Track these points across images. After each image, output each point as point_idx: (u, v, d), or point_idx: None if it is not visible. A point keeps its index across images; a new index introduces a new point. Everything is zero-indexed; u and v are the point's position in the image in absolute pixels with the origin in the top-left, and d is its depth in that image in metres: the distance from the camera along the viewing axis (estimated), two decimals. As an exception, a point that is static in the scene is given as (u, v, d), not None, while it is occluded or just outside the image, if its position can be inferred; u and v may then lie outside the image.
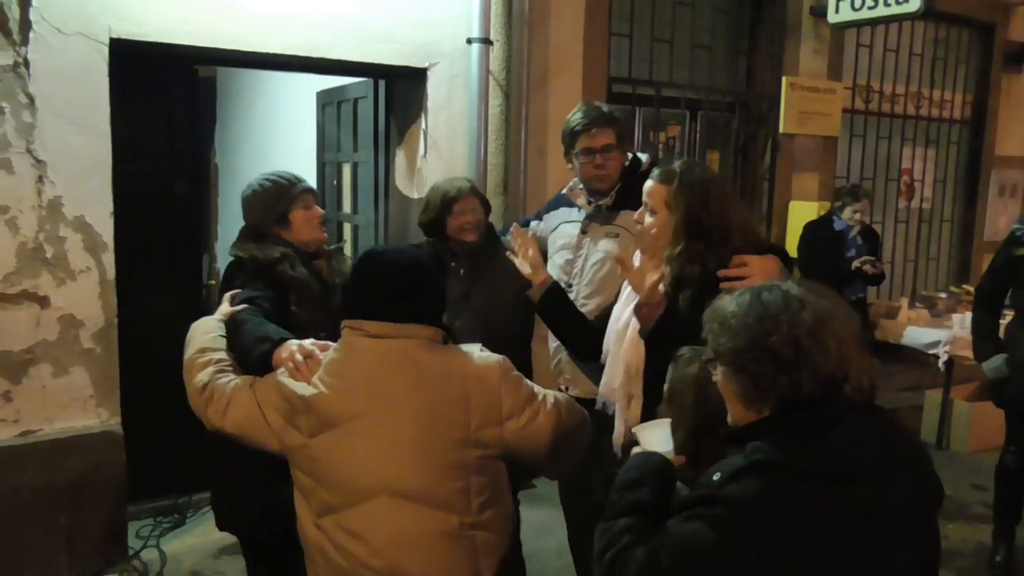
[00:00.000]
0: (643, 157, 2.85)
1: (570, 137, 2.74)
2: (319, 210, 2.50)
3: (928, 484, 1.26)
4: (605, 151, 2.67)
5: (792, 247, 4.92)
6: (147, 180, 3.46)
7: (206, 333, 1.97)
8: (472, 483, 1.64)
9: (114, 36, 3.04)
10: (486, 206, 2.96)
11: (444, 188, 2.90)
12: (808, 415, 1.20)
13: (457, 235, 2.86)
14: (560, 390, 2.96)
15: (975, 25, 6.29)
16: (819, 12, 5.14)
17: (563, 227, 2.88)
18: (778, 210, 5.32)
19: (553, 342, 2.90)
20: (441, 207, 2.85)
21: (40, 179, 2.98)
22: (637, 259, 2.23)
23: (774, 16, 5.20)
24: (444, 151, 3.93)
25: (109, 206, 3.13)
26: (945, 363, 4.88)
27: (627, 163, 2.77)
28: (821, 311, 1.24)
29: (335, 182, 4.78)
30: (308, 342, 1.83)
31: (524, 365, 3.03)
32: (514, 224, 2.57)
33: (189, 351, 1.92)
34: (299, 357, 1.77)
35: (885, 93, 5.89)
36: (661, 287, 2.10)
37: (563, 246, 2.82)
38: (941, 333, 4.91)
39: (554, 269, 2.83)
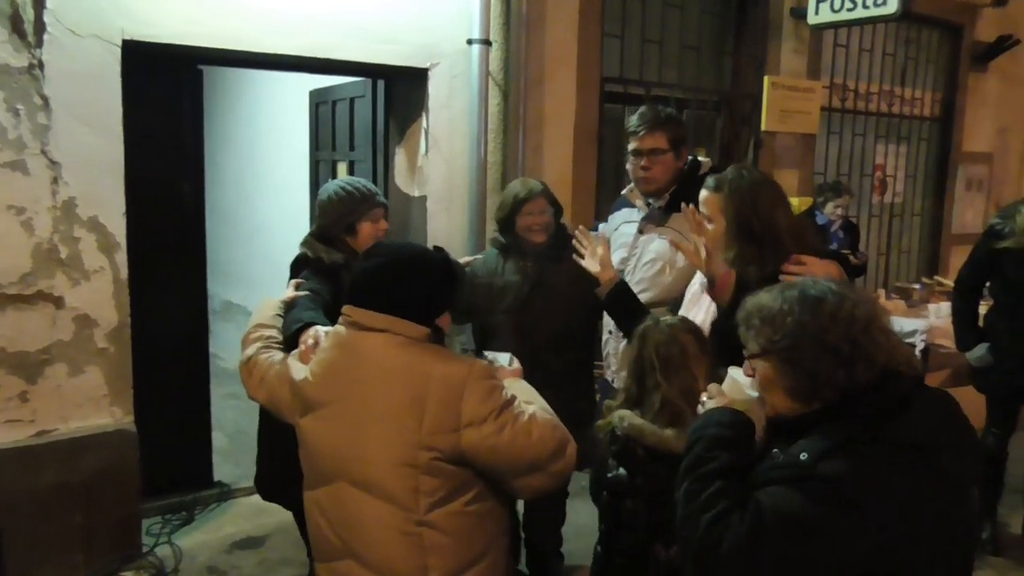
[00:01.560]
0: (703, 160, 2.94)
1: (628, 138, 2.87)
2: (385, 223, 2.66)
3: (978, 454, 1.40)
4: (652, 154, 2.78)
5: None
6: (156, 180, 3.49)
7: (267, 311, 2.13)
8: (421, 483, 1.64)
9: (127, 38, 3.06)
10: (557, 208, 3.02)
11: (516, 189, 3.01)
12: (880, 396, 1.30)
13: (525, 235, 2.94)
14: (608, 382, 3.08)
15: (944, 26, 6.52)
16: (799, 14, 5.30)
17: (623, 227, 3.01)
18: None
19: (603, 336, 2.99)
20: (512, 207, 2.95)
21: (55, 180, 3.00)
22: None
23: (757, 17, 5.35)
24: (445, 149, 4.00)
25: (122, 206, 3.15)
26: (922, 351, 5.07)
27: (685, 166, 2.84)
28: (869, 308, 1.34)
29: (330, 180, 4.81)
30: (325, 329, 1.94)
31: (585, 365, 3.09)
32: (579, 227, 2.63)
33: (249, 325, 2.09)
34: (310, 341, 1.90)
35: (860, 92, 6.08)
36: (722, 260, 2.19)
37: (621, 244, 2.96)
38: (918, 322, 5.11)
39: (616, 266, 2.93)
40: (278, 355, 1.95)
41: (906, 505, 1.23)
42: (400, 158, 4.19)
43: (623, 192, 3.07)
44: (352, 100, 4.48)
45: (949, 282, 6.07)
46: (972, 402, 5.21)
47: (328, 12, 3.50)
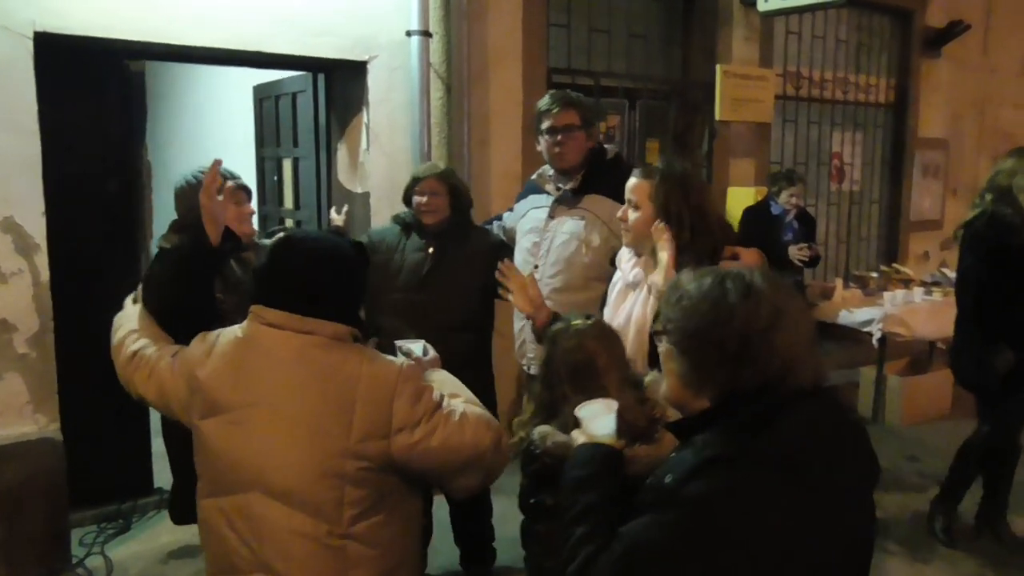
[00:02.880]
0: (608, 147, 3.02)
1: (538, 118, 2.94)
2: (250, 207, 2.53)
3: (867, 460, 1.29)
4: (566, 131, 2.83)
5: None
6: (80, 178, 3.35)
7: (131, 319, 1.95)
8: (347, 494, 1.55)
9: (39, 30, 2.94)
10: (455, 195, 3.00)
11: (419, 168, 3.11)
12: (749, 406, 1.20)
13: (418, 215, 2.96)
14: (525, 370, 3.04)
15: (895, 12, 6.53)
16: (749, 1, 5.26)
17: (531, 213, 3.03)
18: (717, 196, 5.43)
19: (518, 323, 2.96)
20: (409, 185, 3.01)
21: (-35, 180, 2.87)
22: (624, 258, 2.36)
23: (705, 5, 5.31)
24: (386, 145, 3.91)
25: (40, 206, 3.03)
26: (879, 340, 5.06)
27: (591, 146, 2.89)
28: (779, 310, 1.22)
29: (275, 177, 4.71)
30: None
31: (483, 349, 3.11)
32: (504, 260, 2.53)
33: (118, 336, 1.91)
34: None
35: (814, 79, 6.07)
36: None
37: (531, 230, 2.98)
38: (874, 311, 5.10)
39: (521, 253, 2.95)
40: (163, 349, 1.81)
41: (776, 526, 1.14)
42: (342, 154, 4.09)
43: (532, 177, 3.07)
44: (294, 95, 4.38)
45: (907, 270, 6.10)
46: (926, 390, 5.25)
47: (257, 4, 3.40)
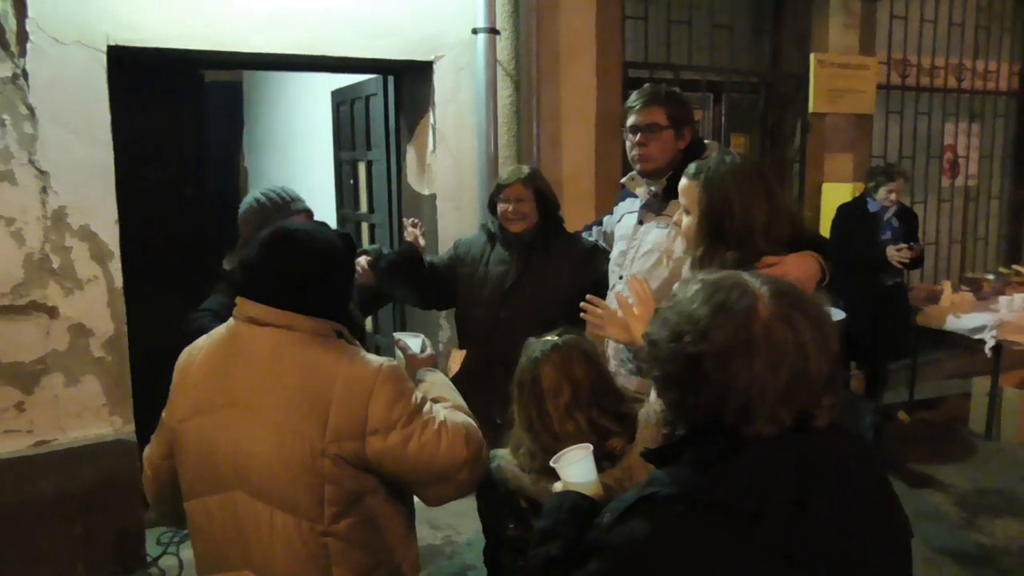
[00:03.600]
0: (709, 142, 2.74)
1: (624, 116, 2.71)
2: None
3: (885, 527, 1.06)
4: (649, 130, 2.59)
5: (826, 231, 4.74)
6: (153, 186, 3.46)
7: None
8: (327, 492, 1.52)
9: (112, 43, 3.03)
10: (545, 201, 2.90)
11: (503, 173, 2.98)
12: (702, 440, 1.03)
13: (504, 223, 2.86)
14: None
15: (1020, -10, 5.97)
16: (848, -15, 4.92)
17: (626, 218, 2.82)
18: (810, 193, 5.11)
19: (611, 346, 2.77)
20: (494, 191, 2.91)
21: (44, 190, 2.98)
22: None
23: (800, -9, 5.00)
24: (453, 146, 3.85)
25: (114, 214, 3.12)
26: (993, 348, 4.63)
27: (684, 147, 2.63)
28: (751, 336, 1.00)
29: (351, 181, 4.74)
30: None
31: None
32: (588, 296, 2.26)
33: None
34: None
35: (924, 66, 5.63)
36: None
37: (621, 237, 2.77)
38: (986, 317, 4.66)
39: (611, 261, 2.78)
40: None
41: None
42: (410, 156, 4.06)
43: (622, 180, 2.85)
44: (367, 98, 4.38)
45: (1030, 271, 5.56)
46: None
47: (318, 7, 3.39)
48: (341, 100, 4.76)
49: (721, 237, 1.93)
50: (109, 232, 3.12)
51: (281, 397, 1.52)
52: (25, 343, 3.02)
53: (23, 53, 2.90)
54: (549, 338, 1.84)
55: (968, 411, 5.02)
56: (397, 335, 1.90)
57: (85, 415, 3.16)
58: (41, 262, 3.01)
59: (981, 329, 4.66)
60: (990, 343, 4.61)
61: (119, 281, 3.16)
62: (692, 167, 2.09)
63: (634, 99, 2.67)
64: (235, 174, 7.64)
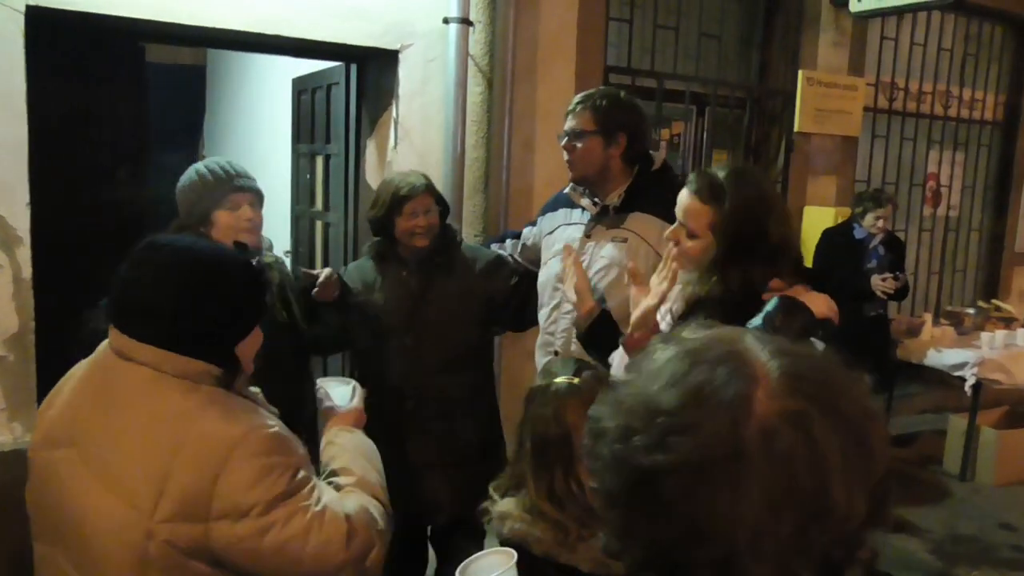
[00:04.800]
0: (654, 153, 2.52)
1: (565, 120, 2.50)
2: (248, 211, 2.18)
3: None
4: (576, 136, 2.40)
5: (808, 256, 4.52)
6: (78, 167, 3.10)
7: None
8: None
9: (31, 3, 2.68)
10: (443, 207, 2.61)
11: (396, 184, 2.55)
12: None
13: (406, 239, 2.52)
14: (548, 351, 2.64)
15: (1010, 20, 5.84)
16: (840, 1, 4.72)
17: (562, 230, 2.56)
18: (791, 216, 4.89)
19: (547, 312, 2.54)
20: (390, 205, 2.51)
21: (-57, 164, 2.64)
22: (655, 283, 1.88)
23: (791, 5, 4.79)
24: (417, 142, 3.55)
25: (25, 196, 2.76)
26: (973, 386, 4.44)
27: (619, 154, 2.41)
28: (738, 445, 0.64)
29: (308, 175, 4.42)
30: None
31: (485, 389, 2.71)
32: (566, 245, 2.23)
33: None
34: None
35: (911, 91, 5.46)
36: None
37: (558, 253, 2.47)
38: (968, 354, 4.48)
39: (548, 278, 2.52)
40: None
41: None
42: (371, 151, 3.75)
43: (564, 190, 2.60)
44: (329, 87, 4.06)
45: (1009, 307, 5.40)
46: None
47: (276, -20, 3.08)
48: (303, 88, 4.44)
49: (750, 263, 1.70)
50: (19, 216, 2.76)
51: (128, 452, 1.20)
52: (-88, 337, 2.66)
53: (-73, 7, 2.56)
54: (564, 379, 1.51)
55: (943, 449, 4.83)
56: (320, 381, 1.59)
57: (-20, 421, 2.80)
58: (-64, 246, 2.66)
59: (962, 366, 4.47)
60: (971, 381, 4.43)
61: (27, 271, 2.80)
62: (697, 185, 1.81)
63: (572, 102, 2.49)
64: (192, 161, 7.26)
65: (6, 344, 2.80)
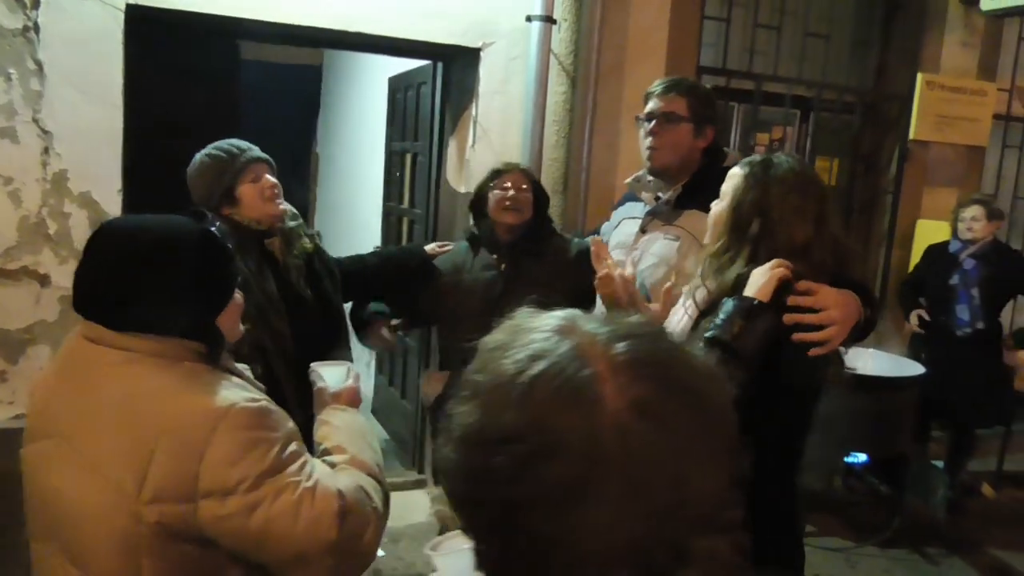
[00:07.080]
0: (727, 150, 2.41)
1: (644, 102, 2.37)
2: (270, 180, 2.21)
3: None
4: (665, 119, 2.26)
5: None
6: (168, 160, 3.26)
7: None
8: (144, 567, 1.17)
9: (131, 2, 2.85)
10: (539, 193, 2.66)
11: (498, 163, 2.74)
12: None
13: (497, 214, 2.56)
14: None
15: None
16: (970, -1, 4.35)
17: (624, 224, 2.49)
18: (902, 229, 4.55)
19: None
20: (486, 180, 2.64)
21: (46, 150, 2.83)
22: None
23: (913, 3, 4.45)
24: (495, 141, 3.53)
25: (118, 183, 2.94)
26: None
27: (704, 147, 2.30)
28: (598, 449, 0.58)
29: (398, 173, 4.50)
30: None
31: None
32: (594, 237, 2.19)
33: None
34: None
35: (1053, 98, 4.95)
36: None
37: (618, 244, 2.42)
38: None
39: None
40: None
41: None
42: (451, 150, 3.77)
43: (626, 181, 2.49)
44: (419, 86, 4.12)
45: None
46: None
47: (359, -21, 3.13)
48: (397, 87, 4.53)
49: (742, 238, 1.68)
50: (111, 202, 2.94)
51: (109, 435, 1.19)
52: (13, 310, 2.87)
53: (36, 4, 2.75)
54: None
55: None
56: (313, 365, 1.58)
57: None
58: (37, 226, 2.86)
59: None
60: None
61: (118, 254, 2.98)
62: (752, 157, 1.79)
63: (655, 84, 2.35)
64: (307, 159, 7.55)
65: (95, 321, 2.98)
